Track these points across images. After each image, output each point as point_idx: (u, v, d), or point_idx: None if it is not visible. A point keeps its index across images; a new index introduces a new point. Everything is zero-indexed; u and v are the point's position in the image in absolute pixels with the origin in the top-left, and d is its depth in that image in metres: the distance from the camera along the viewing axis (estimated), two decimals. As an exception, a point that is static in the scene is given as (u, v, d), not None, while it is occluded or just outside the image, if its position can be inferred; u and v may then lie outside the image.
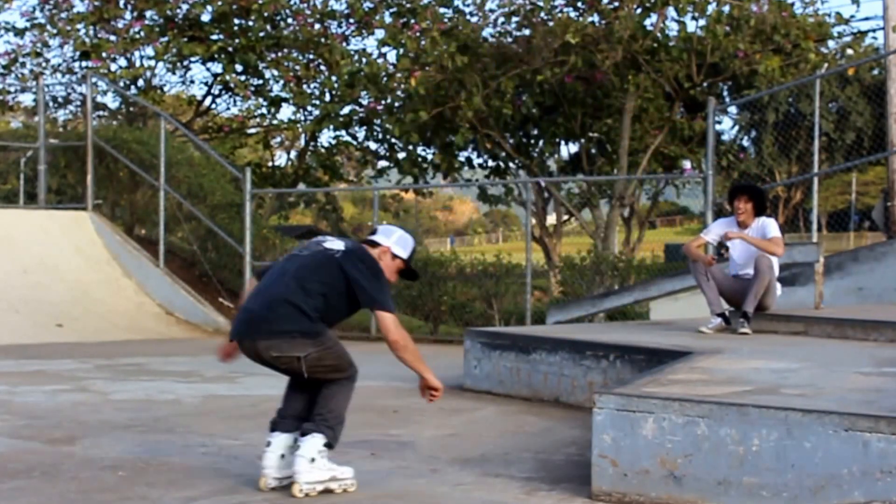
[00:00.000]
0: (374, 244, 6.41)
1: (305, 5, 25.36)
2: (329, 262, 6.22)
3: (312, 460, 6.01)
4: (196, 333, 18.66)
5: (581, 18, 21.50)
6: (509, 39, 22.34)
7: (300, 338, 6.08)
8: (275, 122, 28.35)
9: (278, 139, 32.59)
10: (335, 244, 6.35)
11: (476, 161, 25.54)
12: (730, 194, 11.29)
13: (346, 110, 24.70)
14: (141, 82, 26.00)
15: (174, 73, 27.19)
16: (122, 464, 6.87)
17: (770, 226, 10.79)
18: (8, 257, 18.46)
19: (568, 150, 25.87)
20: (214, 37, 25.28)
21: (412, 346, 6.41)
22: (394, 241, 6.43)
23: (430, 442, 7.84)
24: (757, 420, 5.60)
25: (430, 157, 24.60)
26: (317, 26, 25.14)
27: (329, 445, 6.08)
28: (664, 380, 6.85)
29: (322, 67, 25.78)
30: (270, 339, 6.11)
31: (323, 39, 25.07)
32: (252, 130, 29.37)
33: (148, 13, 24.93)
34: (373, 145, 26.20)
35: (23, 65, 25.80)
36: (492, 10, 22.72)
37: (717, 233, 11.02)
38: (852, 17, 27.55)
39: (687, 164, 18.24)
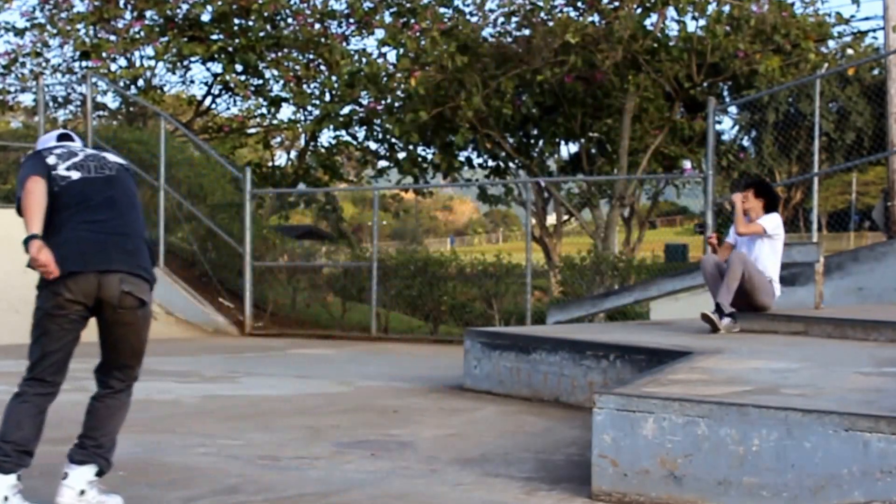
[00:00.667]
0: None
1: (305, 5, 25.39)
2: (132, 181, 5.71)
3: (82, 493, 5.50)
4: (195, 333, 18.67)
5: (581, 18, 21.51)
6: (509, 39, 22.35)
7: (150, 282, 5.57)
8: (275, 122, 28.37)
9: (278, 139, 32.63)
10: (110, 156, 5.75)
11: (476, 161, 25.55)
12: (744, 186, 11.34)
13: (346, 110, 24.71)
14: (141, 82, 26.04)
15: (174, 73, 27.27)
16: (121, 464, 6.85)
17: (765, 216, 10.83)
18: (8, 257, 18.41)
19: (568, 149, 25.91)
20: (214, 37, 25.30)
21: None
22: None
23: (429, 442, 7.84)
24: (757, 420, 5.60)
25: (430, 157, 24.62)
26: (317, 26, 25.17)
27: (101, 473, 5.57)
28: (664, 380, 6.85)
29: (322, 67, 25.80)
30: (130, 274, 5.41)
31: (323, 39, 25.10)
32: (252, 130, 29.39)
33: (148, 13, 24.97)
34: (373, 145, 26.23)
35: (23, 65, 25.84)
36: (492, 10, 22.77)
37: (733, 233, 11.07)
38: (852, 16, 27.60)
39: (687, 164, 18.26)
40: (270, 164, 30.38)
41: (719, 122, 32.32)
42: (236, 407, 9.73)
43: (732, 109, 31.03)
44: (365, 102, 24.17)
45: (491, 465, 6.95)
